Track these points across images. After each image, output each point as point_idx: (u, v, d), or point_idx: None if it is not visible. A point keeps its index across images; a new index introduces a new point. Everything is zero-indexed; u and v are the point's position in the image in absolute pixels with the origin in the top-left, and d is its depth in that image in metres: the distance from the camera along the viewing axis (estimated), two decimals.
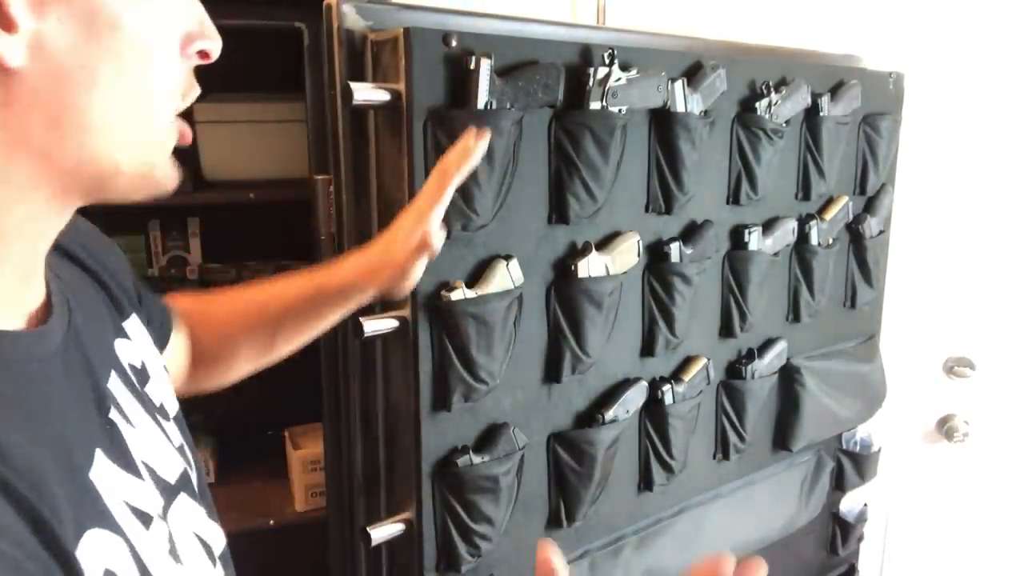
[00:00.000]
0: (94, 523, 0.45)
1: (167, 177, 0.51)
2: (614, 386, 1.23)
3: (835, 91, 1.46)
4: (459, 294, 1.00)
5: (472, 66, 0.95)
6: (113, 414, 0.53)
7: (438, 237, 0.86)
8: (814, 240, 1.49)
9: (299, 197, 1.14)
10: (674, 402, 1.29)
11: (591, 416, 1.20)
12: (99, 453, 0.49)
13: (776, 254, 1.43)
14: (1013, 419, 2.02)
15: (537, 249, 1.09)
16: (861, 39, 1.69)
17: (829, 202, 1.54)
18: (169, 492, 0.58)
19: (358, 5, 0.97)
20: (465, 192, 0.97)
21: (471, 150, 0.81)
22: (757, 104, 1.31)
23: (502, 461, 1.08)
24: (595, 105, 1.07)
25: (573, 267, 1.11)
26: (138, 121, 0.48)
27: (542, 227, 1.09)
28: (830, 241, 1.54)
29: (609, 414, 1.20)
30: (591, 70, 1.06)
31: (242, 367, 0.92)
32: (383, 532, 1.06)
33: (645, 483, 1.32)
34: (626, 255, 1.17)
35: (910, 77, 1.64)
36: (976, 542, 2.10)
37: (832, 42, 1.60)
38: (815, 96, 1.41)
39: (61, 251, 0.59)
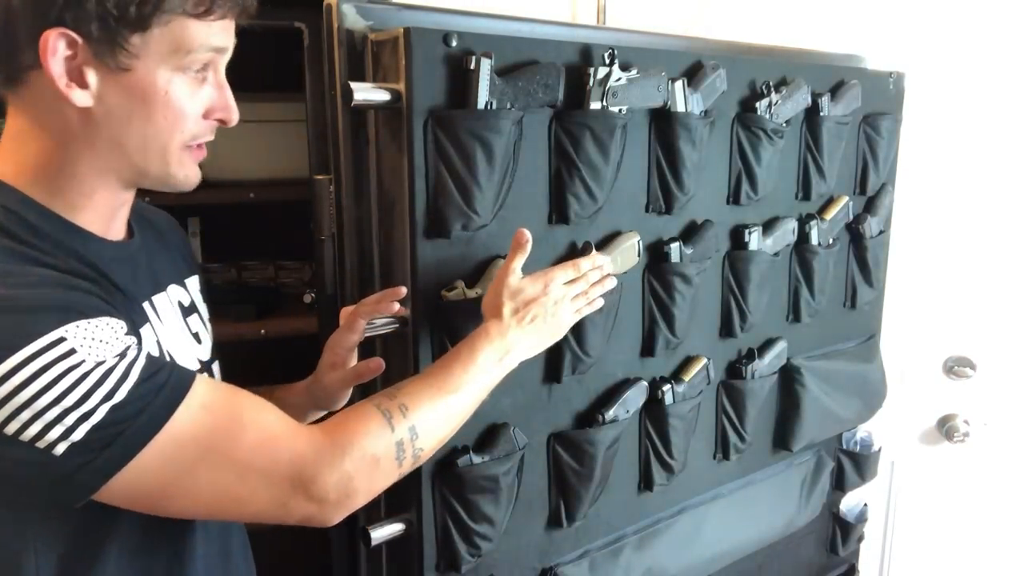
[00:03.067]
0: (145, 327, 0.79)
1: (187, 179, 0.79)
2: (614, 386, 1.23)
3: (835, 91, 1.46)
4: (459, 294, 0.99)
5: (472, 66, 0.95)
6: (147, 306, 0.82)
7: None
8: (814, 240, 1.49)
9: (299, 197, 1.14)
10: (674, 402, 1.29)
11: (591, 416, 1.20)
12: (148, 308, 0.82)
13: (776, 254, 1.42)
14: (1013, 419, 2.02)
15: (537, 249, 1.09)
16: (862, 39, 1.69)
17: (829, 202, 1.54)
18: (204, 365, 0.90)
19: (358, 5, 0.97)
20: (465, 192, 0.97)
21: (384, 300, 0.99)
22: (757, 104, 1.31)
23: (502, 461, 1.08)
24: (595, 105, 1.07)
25: None
26: (157, 151, 0.76)
27: (542, 227, 1.09)
28: (830, 241, 1.54)
29: (609, 414, 1.20)
30: (591, 70, 1.06)
31: None
32: (383, 532, 1.06)
33: (645, 483, 1.32)
34: (626, 255, 1.17)
35: (911, 77, 1.64)
36: (976, 542, 2.10)
37: (833, 42, 1.60)
38: (815, 96, 1.41)
39: (152, 225, 0.93)
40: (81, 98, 0.71)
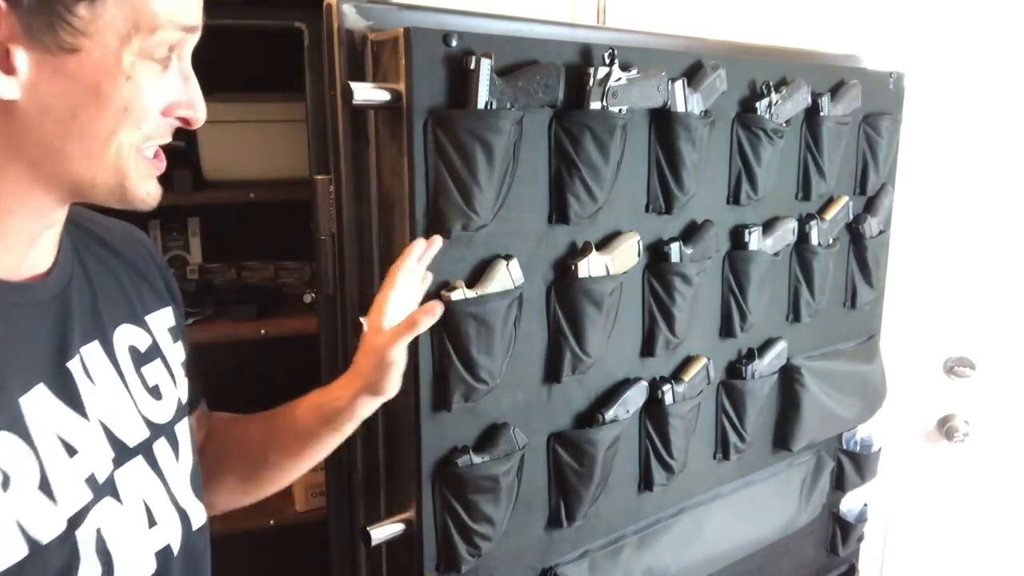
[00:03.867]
0: (1, 428, 0.56)
1: (148, 195, 0.63)
2: (614, 386, 1.23)
3: (835, 91, 1.46)
4: (459, 294, 0.99)
5: (472, 66, 0.95)
6: (72, 365, 0.64)
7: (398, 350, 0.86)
8: (814, 240, 1.49)
9: (299, 197, 1.14)
10: (674, 402, 1.29)
11: (591, 416, 1.20)
12: (41, 387, 0.60)
13: (776, 254, 1.42)
14: (1013, 419, 2.02)
15: (537, 249, 1.09)
16: (861, 39, 1.69)
17: (829, 202, 1.54)
18: (122, 451, 0.68)
19: (358, 5, 0.97)
20: (465, 192, 0.97)
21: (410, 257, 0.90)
22: (757, 104, 1.31)
23: (502, 461, 1.08)
24: (595, 105, 1.07)
25: (573, 267, 1.11)
26: (104, 155, 0.59)
27: (542, 227, 1.09)
28: (830, 241, 1.54)
29: (609, 414, 1.20)
30: (591, 70, 1.05)
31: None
32: (383, 532, 1.06)
33: (645, 483, 1.32)
34: (626, 255, 1.17)
35: (910, 77, 1.64)
36: (976, 542, 2.10)
37: (832, 42, 1.60)
38: (815, 96, 1.41)
39: (105, 243, 0.75)
40: (5, 88, 0.54)
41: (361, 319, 0.91)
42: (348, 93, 0.92)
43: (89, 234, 0.73)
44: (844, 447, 1.76)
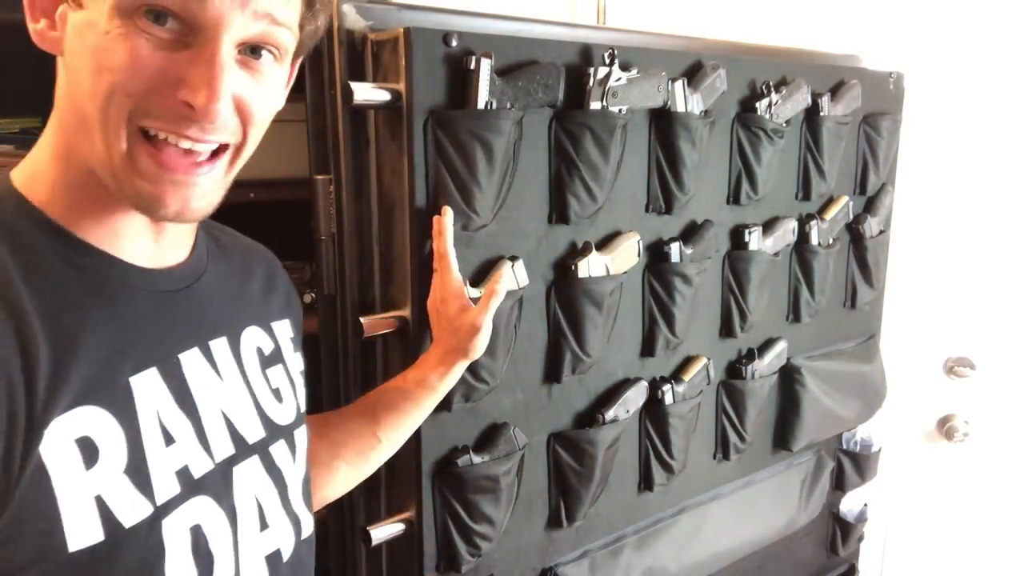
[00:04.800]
0: (100, 404, 0.56)
1: (134, 194, 0.57)
2: (614, 386, 1.23)
3: (835, 91, 1.46)
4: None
5: (472, 66, 0.95)
6: (188, 356, 0.64)
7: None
8: (814, 240, 1.49)
9: (299, 197, 1.14)
10: (674, 402, 1.29)
11: (591, 416, 1.20)
12: (153, 371, 0.61)
13: (776, 254, 1.42)
14: (1013, 419, 2.02)
15: (537, 249, 1.09)
16: (861, 39, 1.69)
17: (829, 202, 1.54)
18: (242, 447, 0.68)
19: (358, 5, 0.97)
20: (465, 192, 0.97)
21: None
22: (757, 104, 1.31)
23: (502, 461, 1.08)
24: (595, 105, 1.07)
25: (573, 267, 1.11)
26: (100, 130, 0.55)
27: (542, 227, 1.09)
28: (830, 241, 1.54)
29: (609, 414, 1.20)
30: (591, 70, 1.06)
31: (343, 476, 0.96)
32: (383, 532, 1.06)
33: (645, 483, 1.32)
34: (626, 255, 1.17)
35: (911, 77, 1.64)
36: (976, 542, 2.10)
37: (832, 42, 1.60)
38: (815, 96, 1.41)
39: (236, 252, 0.78)
40: (55, 42, 0.56)
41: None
42: (348, 93, 0.92)
43: (219, 242, 0.76)
44: (844, 447, 1.76)
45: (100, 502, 0.55)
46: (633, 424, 1.27)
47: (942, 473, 2.06)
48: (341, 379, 1.09)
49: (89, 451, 0.55)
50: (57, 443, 0.53)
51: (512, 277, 1.03)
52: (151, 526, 0.57)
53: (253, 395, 0.71)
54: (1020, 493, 2.07)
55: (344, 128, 1.00)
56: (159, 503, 0.58)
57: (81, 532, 0.53)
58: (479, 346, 0.95)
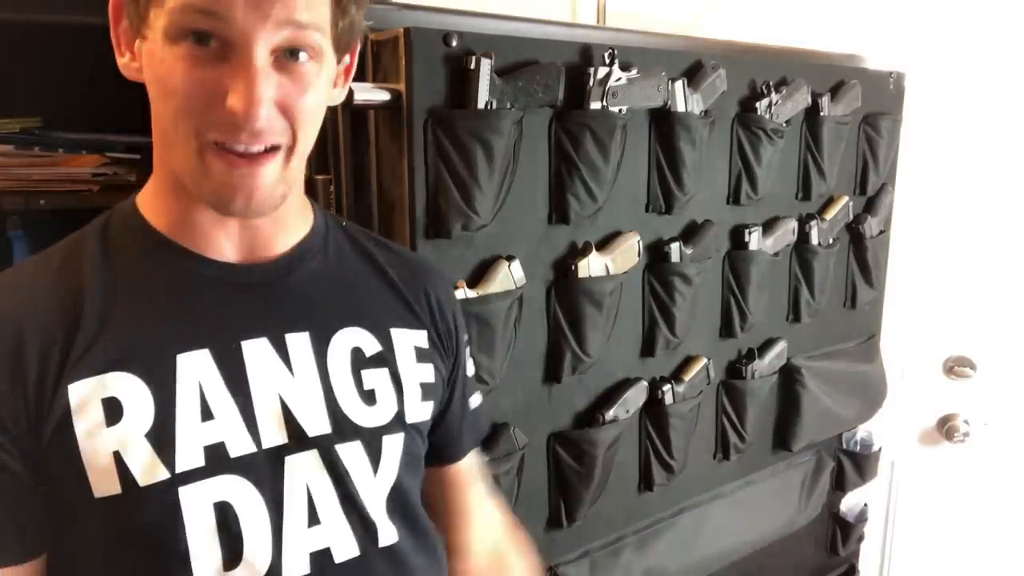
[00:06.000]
0: (135, 372, 0.63)
1: (210, 193, 0.63)
2: (614, 386, 1.23)
3: (835, 91, 1.46)
4: (460, 294, 0.99)
5: (472, 66, 0.95)
6: (252, 344, 0.68)
7: None
8: (814, 240, 1.49)
9: None
10: (674, 402, 1.29)
11: (591, 416, 1.20)
12: (205, 352, 0.66)
13: (776, 254, 1.42)
14: (1013, 419, 2.02)
15: (537, 249, 1.09)
16: (862, 39, 1.69)
17: (829, 202, 1.54)
18: (299, 439, 0.69)
19: None
20: (465, 192, 0.97)
21: None
22: (757, 104, 1.31)
23: (502, 461, 1.08)
24: (595, 105, 1.07)
25: (573, 267, 1.11)
26: (180, 147, 0.62)
27: (542, 227, 1.09)
28: (830, 241, 1.54)
29: (609, 414, 1.20)
30: (591, 70, 1.06)
31: None
32: None
33: (645, 483, 1.32)
34: (626, 255, 1.17)
35: (911, 77, 1.64)
36: (977, 542, 2.10)
37: (833, 42, 1.60)
38: (815, 96, 1.41)
39: (373, 258, 0.78)
40: (132, 70, 0.64)
41: None
42: (348, 93, 0.92)
43: (358, 245, 0.78)
44: (844, 447, 1.76)
45: (118, 457, 0.61)
46: (633, 424, 1.27)
47: (942, 473, 2.06)
48: None
49: (113, 410, 0.61)
50: (83, 397, 0.61)
51: (509, 277, 1.03)
52: (166, 490, 0.62)
53: (329, 391, 0.71)
54: (1020, 493, 2.07)
55: (344, 128, 1.00)
56: (178, 471, 0.62)
57: (102, 482, 0.61)
58: None
